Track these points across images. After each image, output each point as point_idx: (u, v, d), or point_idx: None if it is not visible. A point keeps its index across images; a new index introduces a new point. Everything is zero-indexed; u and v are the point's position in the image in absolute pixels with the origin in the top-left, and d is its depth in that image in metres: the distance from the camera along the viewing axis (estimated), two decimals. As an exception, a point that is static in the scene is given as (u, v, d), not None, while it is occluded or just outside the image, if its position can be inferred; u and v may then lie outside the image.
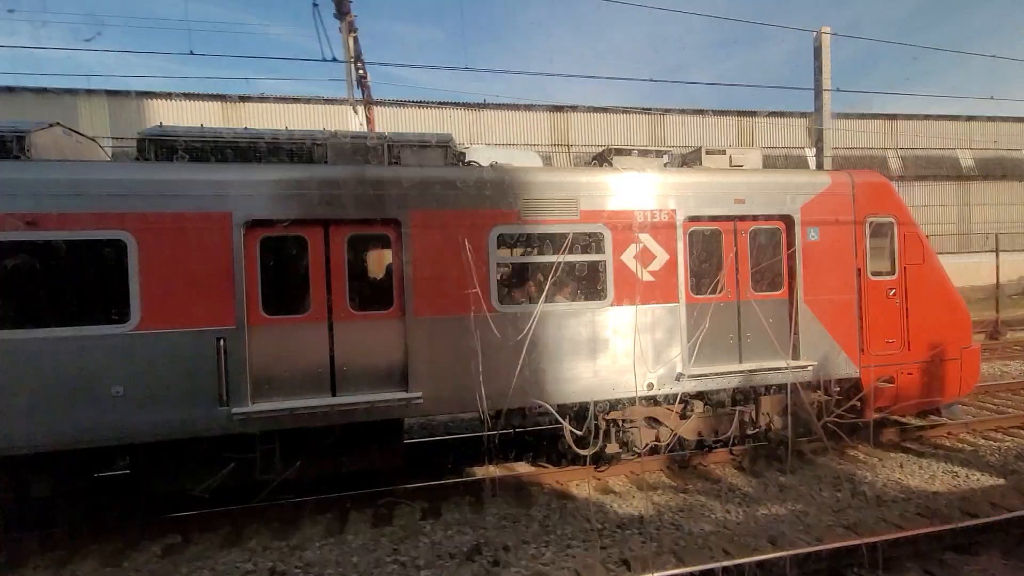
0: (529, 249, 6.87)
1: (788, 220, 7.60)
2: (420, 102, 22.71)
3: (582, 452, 7.34)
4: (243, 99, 21.44)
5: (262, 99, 21.58)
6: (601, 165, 8.00)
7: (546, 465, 8.01)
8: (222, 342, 5.91)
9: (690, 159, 8.45)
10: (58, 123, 6.75)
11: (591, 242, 6.98)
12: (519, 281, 6.93)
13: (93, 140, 7.43)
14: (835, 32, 14.73)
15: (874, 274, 7.92)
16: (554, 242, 6.88)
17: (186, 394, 5.83)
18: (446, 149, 7.19)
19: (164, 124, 7.02)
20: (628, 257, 7.04)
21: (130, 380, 5.70)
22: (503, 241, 6.70)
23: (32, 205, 5.52)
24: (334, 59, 10.04)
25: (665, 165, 8.11)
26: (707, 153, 8.31)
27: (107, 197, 5.68)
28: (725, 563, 4.91)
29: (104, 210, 5.67)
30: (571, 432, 7.23)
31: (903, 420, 9.10)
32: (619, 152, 8.02)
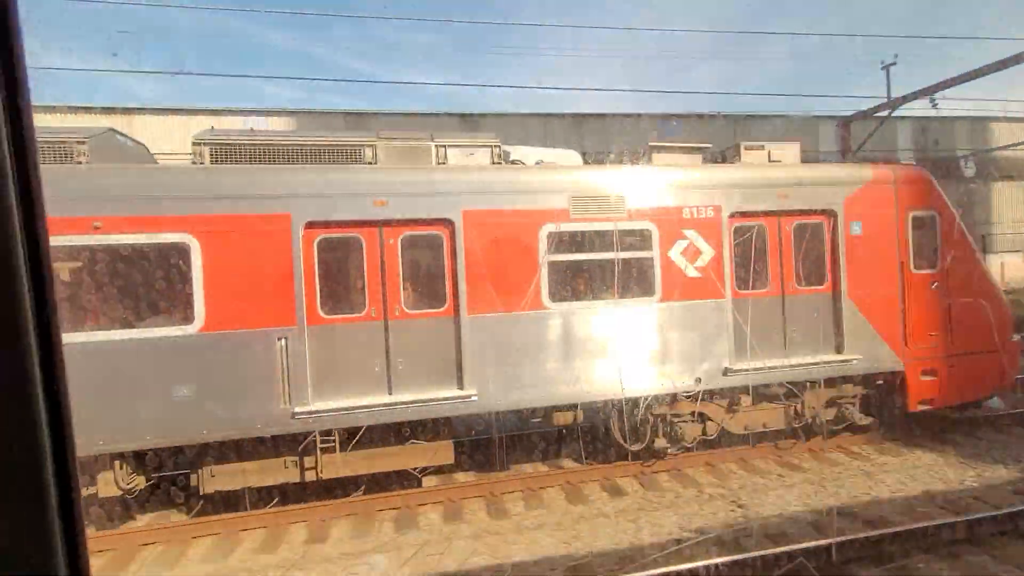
0: (578, 247, 6.92)
1: (831, 214, 7.63)
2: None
3: (632, 447, 7.39)
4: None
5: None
6: (640, 162, 8.06)
7: (591, 462, 8.07)
8: (283, 342, 5.99)
9: (729, 154, 8.48)
10: (111, 129, 6.85)
11: (639, 239, 7.03)
12: (569, 278, 6.98)
13: (141, 144, 7.52)
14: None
15: (917, 268, 7.94)
16: (603, 239, 6.94)
17: (250, 394, 5.92)
18: (492, 149, 7.25)
19: (215, 128, 7.11)
20: (675, 253, 7.08)
21: (196, 381, 5.79)
22: (553, 239, 6.75)
23: (99, 209, 5.61)
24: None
25: (703, 161, 8.15)
26: (746, 148, 8.33)
27: (171, 200, 5.77)
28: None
29: (168, 213, 5.76)
30: (619, 428, 7.29)
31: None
32: (659, 148, 8.06)
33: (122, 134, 7.06)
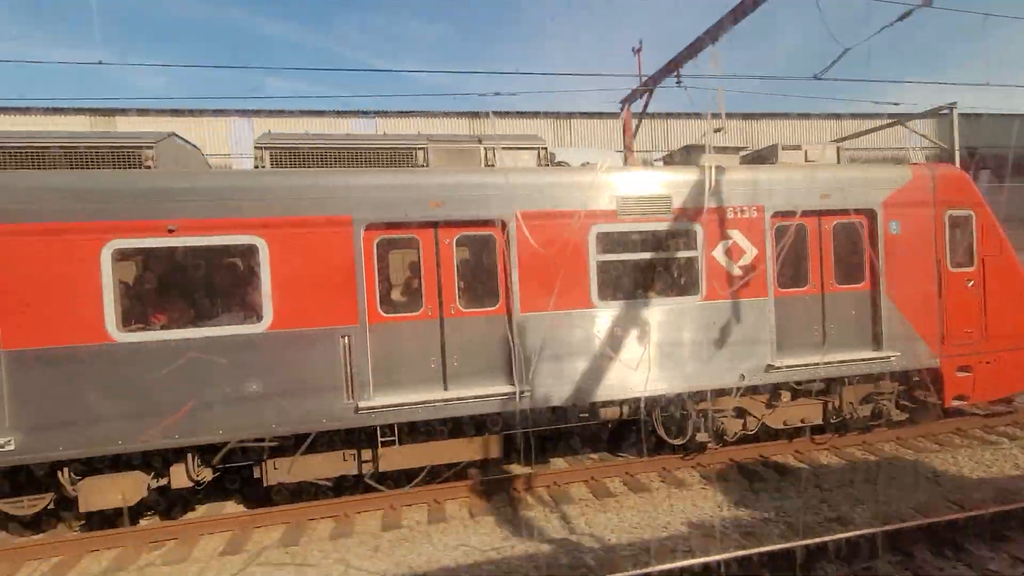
0: (625, 246, 7.09)
1: (871, 214, 7.76)
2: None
3: (675, 442, 7.59)
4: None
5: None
6: (678, 162, 8.21)
7: (626, 456, 8.28)
8: (346, 340, 6.21)
9: (766, 154, 8.61)
10: (173, 133, 7.07)
11: (684, 238, 7.19)
12: (617, 277, 7.15)
13: (197, 148, 7.75)
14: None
15: (954, 265, 8.07)
16: (649, 239, 7.11)
17: (315, 390, 6.15)
18: (538, 151, 7.43)
19: (272, 131, 7.32)
20: (719, 253, 7.24)
21: (265, 377, 6.02)
22: (602, 239, 6.93)
23: (173, 213, 5.84)
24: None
25: (740, 161, 8.29)
26: (783, 148, 8.46)
27: (240, 203, 5.99)
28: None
29: (238, 216, 5.98)
30: (663, 423, 7.50)
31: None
32: (696, 149, 8.20)
33: (181, 137, 7.28)
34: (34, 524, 6.64)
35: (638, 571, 4.84)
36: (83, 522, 6.71)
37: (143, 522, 6.75)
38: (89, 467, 6.07)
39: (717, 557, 4.88)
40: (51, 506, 6.32)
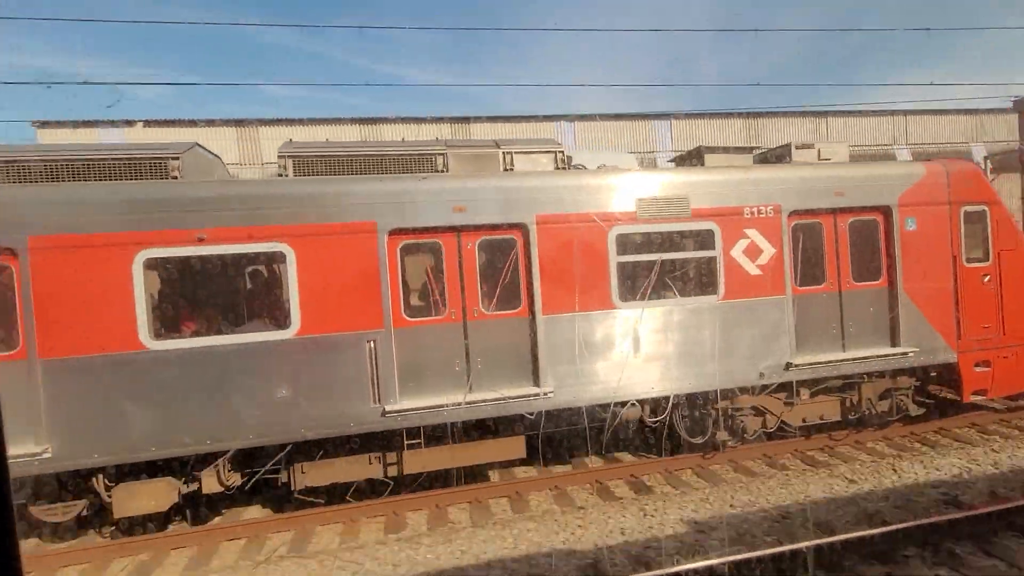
0: (645, 247, 7.16)
1: (886, 211, 7.82)
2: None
3: (695, 440, 7.65)
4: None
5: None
6: (690, 163, 8.29)
7: (648, 455, 8.34)
8: (372, 344, 6.30)
9: (779, 154, 8.68)
10: (197, 144, 7.17)
11: (702, 239, 7.26)
12: (637, 278, 7.22)
13: (218, 157, 7.85)
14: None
15: (969, 261, 8.12)
16: (668, 240, 7.18)
17: (343, 394, 6.24)
18: (555, 155, 7.51)
19: (294, 140, 7.42)
20: (737, 252, 7.31)
21: (294, 382, 6.11)
22: (622, 240, 7.00)
23: (203, 222, 5.93)
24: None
25: (754, 161, 8.36)
26: (797, 148, 8.53)
27: (268, 211, 6.08)
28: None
29: (266, 224, 6.07)
30: (683, 422, 7.55)
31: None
32: (711, 150, 8.28)
33: (203, 147, 7.39)
34: (61, 530, 6.73)
35: (663, 571, 4.88)
36: (113, 528, 6.81)
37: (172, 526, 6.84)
38: (121, 474, 6.17)
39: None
40: (84, 513, 6.42)
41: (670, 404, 7.31)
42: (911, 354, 7.80)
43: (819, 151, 8.56)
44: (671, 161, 9.23)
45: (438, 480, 7.39)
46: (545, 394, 6.71)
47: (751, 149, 8.57)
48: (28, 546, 6.49)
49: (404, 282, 6.55)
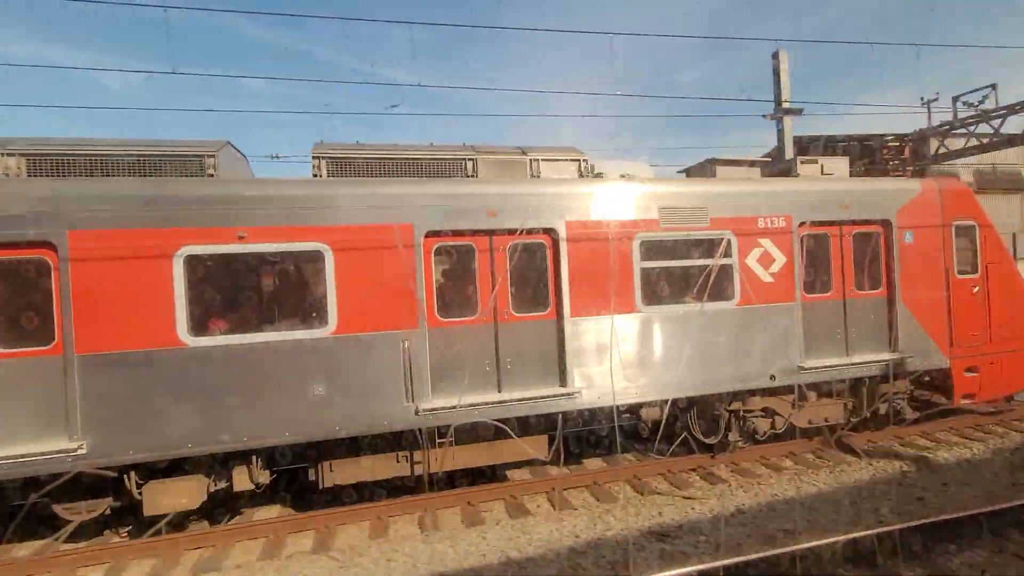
0: (667, 254, 7.44)
1: (886, 224, 8.30)
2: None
3: (708, 441, 7.94)
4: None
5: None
6: (695, 174, 8.66)
7: (658, 456, 8.59)
8: (406, 344, 6.41)
9: (786, 168, 9.12)
10: (228, 142, 7.20)
11: (720, 247, 7.59)
12: (658, 283, 7.50)
13: (244, 157, 7.87)
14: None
15: (960, 273, 8.65)
16: (688, 247, 7.49)
17: (378, 392, 6.32)
18: (579, 162, 7.77)
19: (324, 141, 7.49)
20: (752, 260, 7.66)
21: (330, 380, 6.17)
22: (645, 247, 7.28)
23: (242, 220, 5.98)
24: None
25: (762, 174, 8.77)
26: (801, 162, 8.98)
27: (307, 211, 6.16)
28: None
29: (305, 224, 6.15)
30: (697, 423, 7.85)
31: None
32: (722, 162, 8.66)
33: (233, 146, 7.41)
34: (79, 529, 6.60)
35: (677, 570, 4.96)
36: (130, 528, 6.71)
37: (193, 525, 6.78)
38: (152, 471, 6.12)
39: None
40: (107, 511, 6.33)
41: (688, 405, 7.58)
42: (909, 360, 8.26)
43: (822, 165, 9.05)
44: (680, 172, 9.59)
45: (467, 476, 7.48)
46: (571, 394, 6.91)
47: (754, 162, 8.97)
48: (40, 546, 6.38)
49: (438, 283, 6.69)
